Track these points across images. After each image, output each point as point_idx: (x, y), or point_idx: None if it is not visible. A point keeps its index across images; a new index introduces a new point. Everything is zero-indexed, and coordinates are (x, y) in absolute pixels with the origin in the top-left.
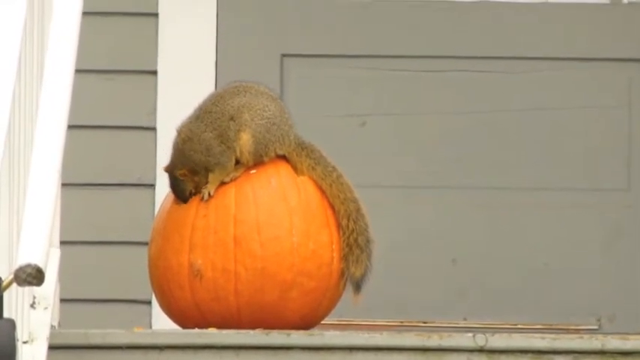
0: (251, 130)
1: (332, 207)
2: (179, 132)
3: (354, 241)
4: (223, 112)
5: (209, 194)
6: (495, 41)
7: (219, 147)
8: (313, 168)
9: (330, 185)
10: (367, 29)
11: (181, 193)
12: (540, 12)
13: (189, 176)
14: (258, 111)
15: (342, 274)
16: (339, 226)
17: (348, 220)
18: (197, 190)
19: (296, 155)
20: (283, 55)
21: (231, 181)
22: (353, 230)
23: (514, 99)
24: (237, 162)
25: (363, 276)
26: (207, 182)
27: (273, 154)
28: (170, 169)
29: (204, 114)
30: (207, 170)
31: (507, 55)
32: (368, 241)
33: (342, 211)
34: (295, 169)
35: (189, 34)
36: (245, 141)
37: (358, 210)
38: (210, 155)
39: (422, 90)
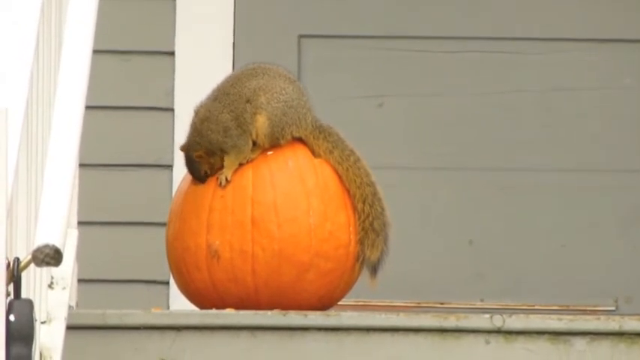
0: (267, 113)
1: (349, 190)
2: (197, 112)
3: (369, 225)
4: (240, 95)
5: (226, 179)
6: (514, 22)
7: (236, 130)
8: (330, 152)
9: (347, 169)
10: (385, 10)
11: (196, 173)
12: None
13: (205, 158)
14: (275, 94)
15: (358, 256)
16: (355, 209)
17: (364, 204)
18: (211, 171)
19: (313, 138)
20: (301, 36)
21: (248, 162)
22: (369, 214)
23: (532, 80)
24: (254, 144)
25: (379, 260)
26: (222, 164)
27: (289, 137)
28: (186, 149)
29: (222, 95)
30: (223, 152)
31: (526, 35)
32: (384, 224)
33: (358, 195)
34: (312, 151)
35: (207, 14)
36: (261, 123)
37: (374, 194)
38: (228, 136)
39: (440, 71)
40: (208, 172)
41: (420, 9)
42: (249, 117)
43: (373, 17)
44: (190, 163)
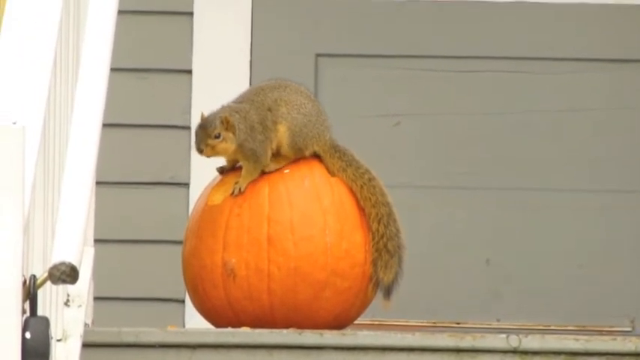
0: (287, 123)
1: (364, 208)
2: (223, 106)
3: (383, 246)
4: (263, 103)
5: (240, 190)
6: (529, 42)
7: (261, 135)
8: (344, 170)
9: (361, 187)
10: (401, 29)
11: (201, 141)
12: (574, 13)
13: (225, 125)
14: (295, 106)
15: (371, 278)
16: (370, 229)
17: (379, 224)
18: (216, 148)
19: (329, 156)
20: (318, 55)
21: (269, 172)
22: (383, 235)
23: (548, 99)
24: (274, 155)
25: (393, 282)
26: (230, 152)
27: (312, 149)
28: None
29: (246, 100)
30: (241, 148)
31: (541, 55)
32: (399, 246)
33: (373, 215)
34: (328, 169)
35: (224, 33)
36: (282, 133)
37: (390, 214)
38: (251, 137)
39: (456, 90)
40: (212, 144)
41: (436, 29)
42: (271, 124)
43: (390, 37)
44: (202, 128)
